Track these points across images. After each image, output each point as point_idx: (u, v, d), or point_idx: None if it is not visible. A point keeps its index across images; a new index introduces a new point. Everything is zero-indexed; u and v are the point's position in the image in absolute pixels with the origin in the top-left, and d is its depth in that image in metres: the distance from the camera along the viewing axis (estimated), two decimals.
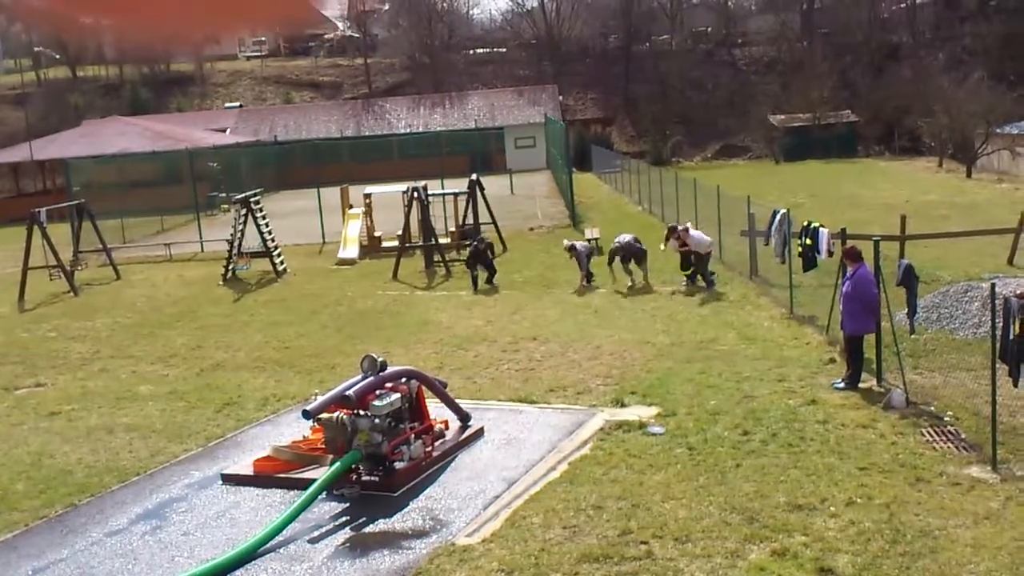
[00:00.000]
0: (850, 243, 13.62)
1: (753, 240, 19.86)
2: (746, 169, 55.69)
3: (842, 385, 12.27)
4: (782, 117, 61.00)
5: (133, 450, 11.97)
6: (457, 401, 11.77)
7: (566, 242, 21.48)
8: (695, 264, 19.67)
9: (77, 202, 28.32)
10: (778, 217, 17.71)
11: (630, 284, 19.82)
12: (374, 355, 10.63)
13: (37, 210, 25.11)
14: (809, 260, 16.07)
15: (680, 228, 19.98)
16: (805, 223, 16.32)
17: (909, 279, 13.36)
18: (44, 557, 9.00)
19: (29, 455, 12.03)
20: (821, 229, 15.79)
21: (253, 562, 8.55)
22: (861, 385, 12.21)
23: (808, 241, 15.91)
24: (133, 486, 10.71)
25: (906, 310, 13.60)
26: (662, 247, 20.15)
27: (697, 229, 20.23)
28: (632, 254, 19.98)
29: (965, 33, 68.34)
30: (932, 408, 11.33)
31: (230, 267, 25.21)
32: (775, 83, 66.60)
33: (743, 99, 65.37)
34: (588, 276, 20.49)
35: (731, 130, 65.85)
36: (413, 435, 10.56)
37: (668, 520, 8.72)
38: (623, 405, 12.23)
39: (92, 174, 38.72)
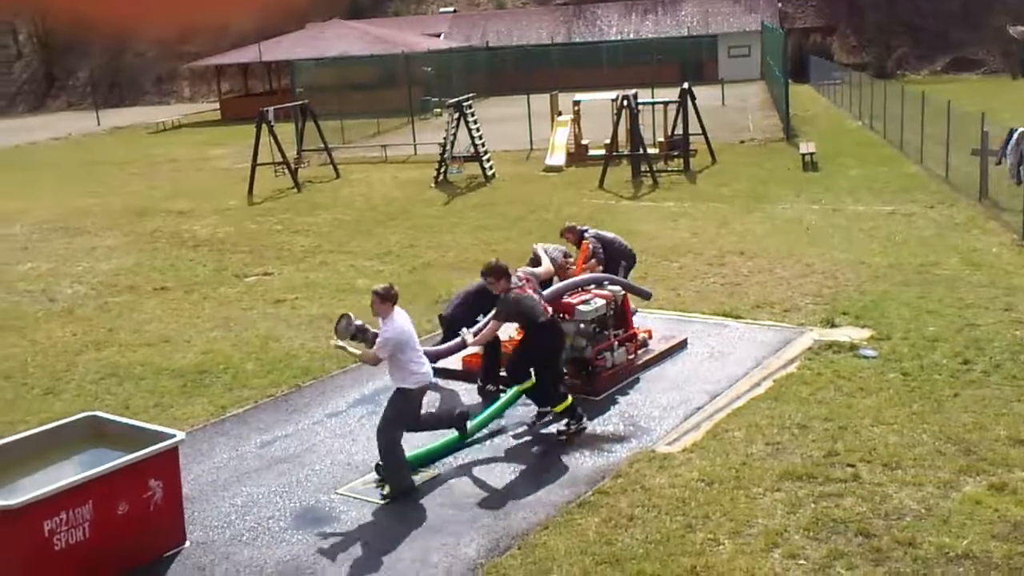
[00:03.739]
0: None
1: (985, 160, 18.61)
2: (979, 84, 51.57)
3: None
4: (1023, 29, 55.79)
5: None
6: (660, 313, 11.72)
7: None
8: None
9: (301, 102, 29.69)
10: (1015, 136, 16.47)
11: None
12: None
13: (265, 109, 26.57)
14: None
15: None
16: None
17: None
18: (272, 432, 9.77)
19: (258, 338, 13.00)
20: None
21: (461, 451, 8.98)
22: None
23: None
24: (351, 373, 11.37)
25: None
26: None
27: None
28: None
29: None
30: None
31: (442, 170, 25.92)
32: None
33: (979, 8, 60.13)
34: None
35: (964, 42, 60.88)
36: (617, 342, 10.65)
37: (877, 445, 8.47)
38: (833, 325, 11.86)
39: (314, 76, 40.41)
